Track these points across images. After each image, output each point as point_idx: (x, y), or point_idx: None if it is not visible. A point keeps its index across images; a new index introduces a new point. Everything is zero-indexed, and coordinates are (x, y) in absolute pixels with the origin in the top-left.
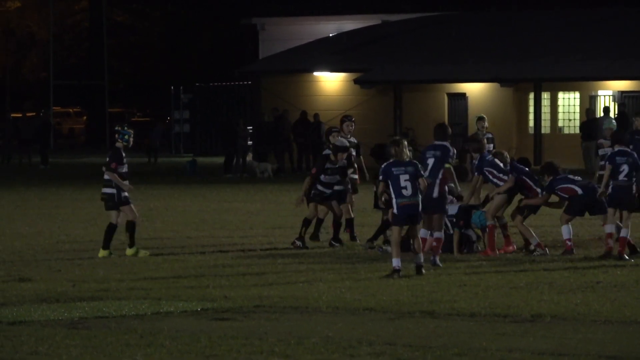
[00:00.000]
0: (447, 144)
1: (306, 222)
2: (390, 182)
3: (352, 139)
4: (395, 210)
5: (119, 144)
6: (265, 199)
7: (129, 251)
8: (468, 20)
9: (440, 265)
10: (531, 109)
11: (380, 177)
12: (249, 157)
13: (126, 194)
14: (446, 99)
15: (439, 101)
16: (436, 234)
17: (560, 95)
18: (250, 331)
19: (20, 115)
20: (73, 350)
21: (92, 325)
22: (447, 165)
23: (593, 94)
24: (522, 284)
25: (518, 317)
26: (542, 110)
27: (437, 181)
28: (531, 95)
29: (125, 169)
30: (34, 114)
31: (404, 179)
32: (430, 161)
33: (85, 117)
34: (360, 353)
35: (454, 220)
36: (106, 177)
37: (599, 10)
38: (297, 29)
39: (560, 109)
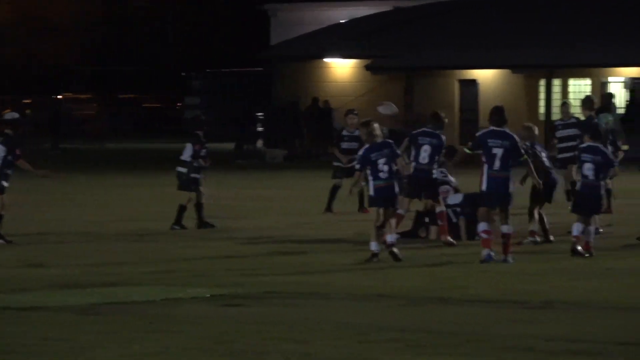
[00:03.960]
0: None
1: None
2: (369, 167)
3: (357, 132)
4: (371, 193)
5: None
6: (276, 185)
7: None
8: (478, 6)
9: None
10: (542, 96)
11: (358, 166)
12: (260, 144)
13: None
14: (457, 85)
15: (450, 87)
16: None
17: (571, 82)
18: (261, 317)
19: (30, 100)
20: (84, 336)
21: (103, 311)
22: (522, 158)
23: (604, 80)
24: (534, 271)
25: (529, 303)
26: (553, 97)
27: (510, 174)
28: (542, 82)
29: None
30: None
31: (381, 163)
32: (499, 152)
33: (96, 104)
34: (370, 339)
35: (458, 209)
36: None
37: None
38: (308, 15)
39: (571, 96)
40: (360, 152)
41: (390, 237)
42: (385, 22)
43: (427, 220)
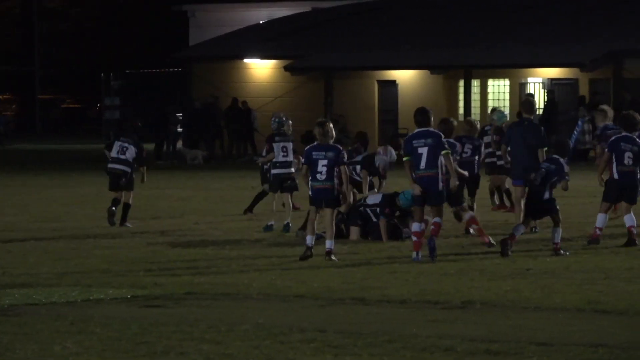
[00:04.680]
0: (437, 130)
1: None
2: (310, 167)
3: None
4: (309, 192)
5: None
6: (196, 186)
7: None
8: (398, 7)
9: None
10: (461, 96)
11: (303, 161)
12: (180, 144)
13: None
14: (376, 85)
15: (369, 88)
16: (437, 219)
17: (490, 82)
18: (181, 318)
19: None
20: (3, 337)
21: (23, 312)
22: (444, 152)
23: (523, 81)
24: (453, 271)
25: (449, 303)
26: (472, 98)
27: (439, 172)
28: (461, 83)
29: None
30: None
31: (321, 164)
32: (424, 150)
33: (15, 105)
34: (291, 340)
35: (378, 209)
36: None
37: None
38: (227, 16)
39: (490, 96)
40: (306, 148)
41: (328, 243)
42: (304, 23)
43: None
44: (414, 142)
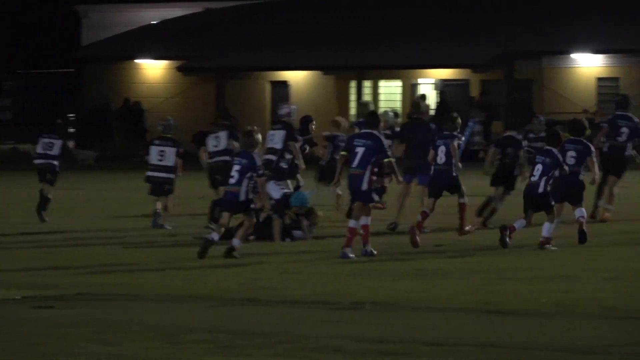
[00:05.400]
0: (377, 133)
1: None
2: None
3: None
4: (222, 194)
5: None
6: (88, 186)
7: None
8: (291, 8)
9: (374, 252)
10: (353, 97)
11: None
12: (72, 145)
13: None
14: (268, 87)
15: (261, 89)
16: (364, 220)
17: (382, 83)
18: (72, 319)
19: None
20: None
21: None
22: (386, 160)
23: (414, 82)
24: (344, 272)
25: (340, 304)
26: (364, 99)
27: (367, 172)
28: (353, 84)
29: None
30: None
31: (235, 169)
32: (360, 150)
33: None
34: (181, 340)
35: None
36: None
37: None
38: (120, 17)
39: (382, 97)
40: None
41: (235, 241)
42: (197, 24)
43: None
44: (355, 140)
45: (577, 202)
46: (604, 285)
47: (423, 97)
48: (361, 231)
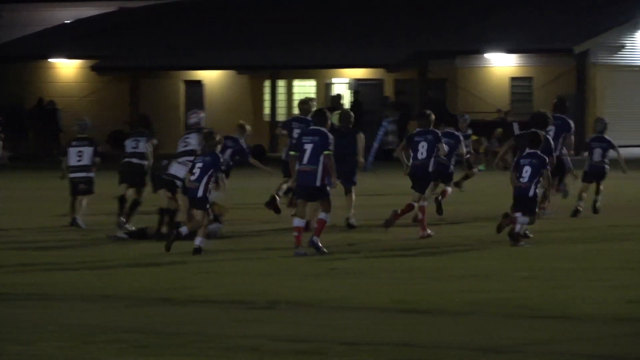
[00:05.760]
0: (325, 130)
1: None
2: None
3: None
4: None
5: None
6: (1, 186)
7: None
8: (206, 8)
9: (325, 250)
10: (267, 97)
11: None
12: None
13: None
14: (182, 86)
15: (175, 88)
16: (321, 215)
17: (296, 82)
18: None
19: None
20: None
21: None
22: (326, 152)
23: (328, 81)
24: (260, 271)
25: (255, 303)
26: (278, 98)
27: (320, 168)
28: (267, 83)
29: None
30: None
31: (197, 166)
32: (309, 147)
33: None
34: (95, 340)
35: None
36: None
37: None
38: (33, 16)
39: (296, 97)
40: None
41: (198, 240)
42: (111, 23)
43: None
44: (303, 138)
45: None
46: (518, 284)
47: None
48: (315, 225)
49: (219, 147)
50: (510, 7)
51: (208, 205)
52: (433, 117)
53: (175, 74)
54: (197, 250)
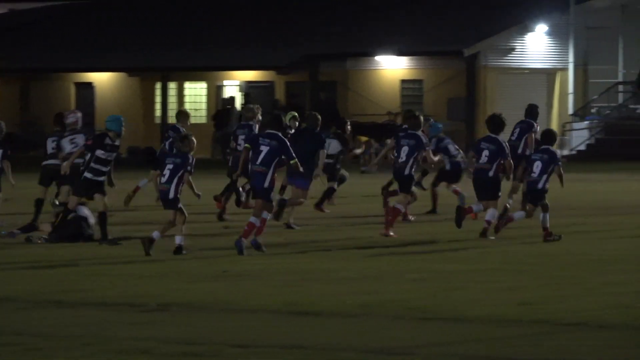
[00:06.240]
0: (283, 136)
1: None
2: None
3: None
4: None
5: None
6: None
7: None
8: (96, 9)
9: (264, 249)
10: (158, 99)
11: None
12: None
13: None
14: (73, 88)
15: (66, 91)
16: (264, 214)
17: (187, 85)
18: None
19: None
20: None
21: None
22: (292, 162)
23: (219, 84)
24: (152, 273)
25: (146, 306)
26: (169, 100)
27: (271, 171)
28: (158, 85)
29: None
30: None
31: (167, 168)
32: (265, 149)
33: None
34: None
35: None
36: None
37: (224, 1)
38: None
39: (187, 99)
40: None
41: (178, 239)
42: (1, 25)
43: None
44: (260, 139)
45: (492, 198)
46: (409, 286)
47: (232, 99)
48: (258, 224)
49: (192, 151)
50: (401, 9)
51: (180, 205)
52: (422, 118)
53: (65, 76)
54: (179, 249)
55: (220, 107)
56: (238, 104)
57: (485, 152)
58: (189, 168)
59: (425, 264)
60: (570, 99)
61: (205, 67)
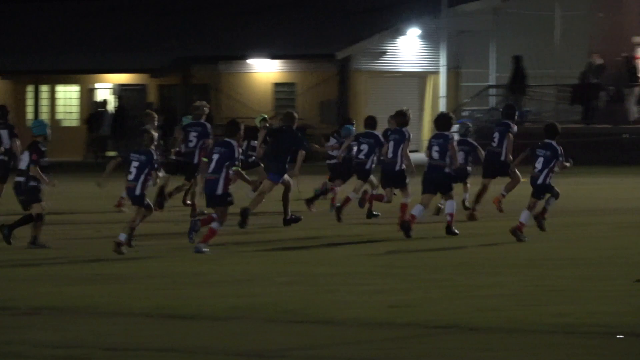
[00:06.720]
0: (233, 142)
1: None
2: None
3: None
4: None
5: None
6: None
7: None
8: None
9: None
10: (30, 102)
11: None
12: None
13: None
14: None
15: None
16: (213, 224)
17: (60, 88)
18: None
19: None
20: None
21: None
22: (234, 168)
23: (92, 87)
24: (22, 277)
25: (17, 309)
26: (41, 103)
27: (222, 178)
28: (30, 88)
29: None
30: None
31: (133, 165)
32: (215, 157)
33: None
34: None
35: None
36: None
37: (96, 4)
38: None
39: (59, 102)
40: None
41: (121, 236)
42: None
43: None
44: (215, 148)
45: (446, 191)
46: (280, 289)
47: (104, 103)
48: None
49: (153, 146)
50: (274, 13)
51: (146, 202)
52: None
53: None
54: (119, 245)
55: (93, 110)
56: (111, 106)
57: (436, 148)
58: (156, 166)
59: (295, 267)
60: (442, 102)
61: (78, 70)
